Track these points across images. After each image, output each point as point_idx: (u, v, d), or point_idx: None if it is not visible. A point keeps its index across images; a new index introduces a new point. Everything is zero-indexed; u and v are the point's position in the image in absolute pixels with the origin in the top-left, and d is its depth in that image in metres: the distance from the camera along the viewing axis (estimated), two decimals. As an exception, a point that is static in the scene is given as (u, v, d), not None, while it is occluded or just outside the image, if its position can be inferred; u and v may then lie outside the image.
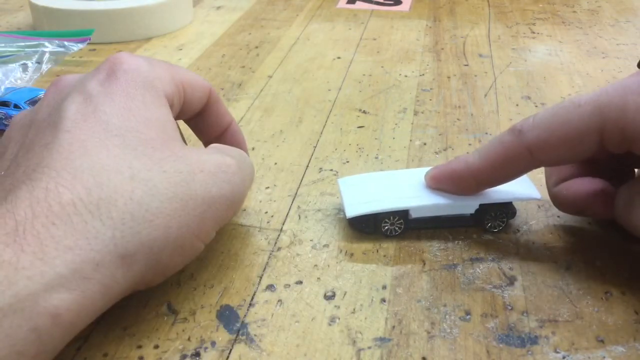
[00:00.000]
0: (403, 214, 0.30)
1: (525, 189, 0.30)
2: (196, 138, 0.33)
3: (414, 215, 0.30)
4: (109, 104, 0.24)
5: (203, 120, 0.31)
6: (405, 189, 0.31)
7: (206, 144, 0.33)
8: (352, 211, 0.29)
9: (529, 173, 0.29)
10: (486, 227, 0.31)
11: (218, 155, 0.26)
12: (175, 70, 0.28)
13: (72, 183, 0.21)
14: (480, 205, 0.30)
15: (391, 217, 0.30)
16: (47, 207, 0.20)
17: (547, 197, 0.31)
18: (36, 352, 0.19)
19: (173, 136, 0.25)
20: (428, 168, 0.31)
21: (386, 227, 0.30)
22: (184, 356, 0.23)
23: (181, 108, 0.28)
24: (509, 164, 0.28)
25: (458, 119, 0.42)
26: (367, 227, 0.30)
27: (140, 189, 0.22)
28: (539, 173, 0.35)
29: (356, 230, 0.30)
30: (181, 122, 0.32)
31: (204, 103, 0.30)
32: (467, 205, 0.30)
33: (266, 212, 0.32)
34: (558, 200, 0.30)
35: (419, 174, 0.31)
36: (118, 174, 0.22)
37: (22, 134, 0.25)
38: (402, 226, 0.30)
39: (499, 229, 0.30)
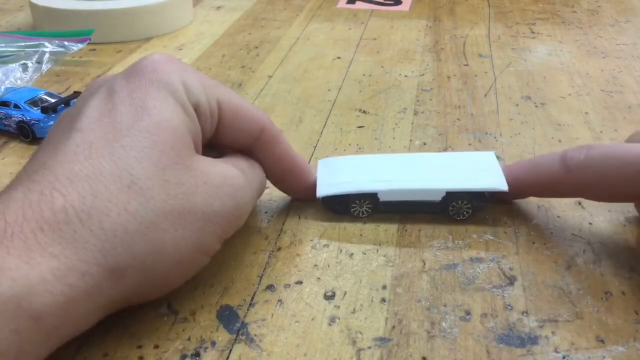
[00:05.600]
0: (372, 197, 0.31)
1: (494, 180, 0.31)
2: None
3: (382, 198, 0.31)
4: (127, 102, 0.24)
5: (256, 159, 0.29)
6: (379, 173, 0.31)
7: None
8: (322, 191, 0.31)
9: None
10: (450, 214, 0.31)
11: (226, 166, 0.25)
12: (211, 85, 0.26)
13: (68, 189, 0.21)
14: (447, 192, 0.30)
15: (360, 200, 0.31)
16: (39, 212, 0.20)
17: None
18: (17, 352, 0.19)
19: (186, 142, 0.24)
20: (407, 154, 0.33)
21: (355, 209, 0.31)
22: (184, 356, 0.23)
23: (216, 131, 0.27)
24: (554, 190, 0.29)
25: (458, 119, 0.42)
26: (340, 208, 0.31)
27: (136, 199, 0.22)
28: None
29: (329, 210, 0.32)
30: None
31: (254, 138, 0.28)
32: (435, 192, 0.31)
33: (266, 212, 0.32)
34: None
35: (397, 159, 0.33)
36: (116, 181, 0.22)
37: (56, 125, 0.25)
38: (371, 209, 0.31)
39: (464, 218, 0.31)
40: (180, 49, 0.56)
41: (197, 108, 0.25)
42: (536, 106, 0.44)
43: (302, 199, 0.33)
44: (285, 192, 0.32)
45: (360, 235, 0.30)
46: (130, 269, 0.21)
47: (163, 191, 0.22)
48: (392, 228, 0.31)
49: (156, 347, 0.24)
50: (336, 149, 0.39)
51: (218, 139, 0.28)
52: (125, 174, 0.22)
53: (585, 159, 0.27)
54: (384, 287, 0.27)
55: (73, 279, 0.20)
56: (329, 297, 0.26)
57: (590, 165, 0.27)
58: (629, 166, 0.26)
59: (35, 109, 0.39)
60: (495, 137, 0.40)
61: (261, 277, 0.28)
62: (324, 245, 0.30)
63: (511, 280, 0.27)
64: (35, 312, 0.19)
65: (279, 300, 0.26)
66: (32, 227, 0.20)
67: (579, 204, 0.33)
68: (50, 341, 0.20)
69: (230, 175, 0.25)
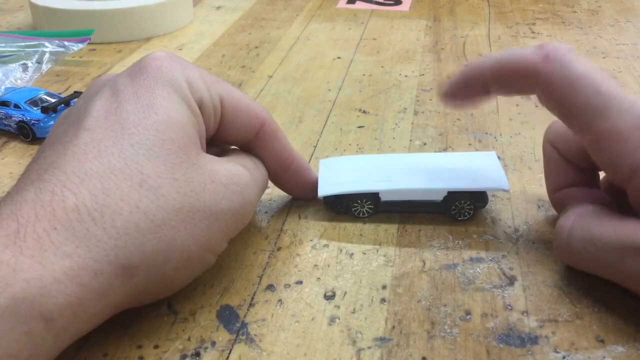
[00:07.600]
0: (373, 196, 0.31)
1: (495, 179, 0.31)
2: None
3: (383, 198, 0.31)
4: (133, 101, 0.24)
5: (256, 155, 0.29)
6: (380, 173, 0.31)
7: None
8: (323, 191, 0.31)
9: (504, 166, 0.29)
10: (452, 214, 0.31)
11: (232, 165, 0.26)
12: (213, 81, 0.26)
13: (79, 188, 0.21)
14: (449, 192, 0.30)
15: (362, 200, 0.31)
16: (51, 211, 0.20)
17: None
18: (29, 355, 0.19)
19: (192, 140, 0.24)
20: (408, 154, 0.33)
21: (356, 209, 0.31)
22: (184, 356, 0.23)
23: (218, 127, 0.27)
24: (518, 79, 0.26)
25: (458, 119, 0.42)
26: (341, 208, 0.31)
27: (147, 197, 0.22)
28: (539, 173, 0.35)
29: (331, 210, 0.32)
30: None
31: (254, 133, 0.28)
32: (436, 192, 0.31)
33: (266, 212, 0.32)
34: (557, 207, 0.30)
35: (399, 159, 0.33)
36: (127, 179, 0.22)
37: (59, 124, 0.25)
38: (372, 209, 0.31)
39: (465, 218, 0.31)
40: (180, 49, 0.56)
41: (201, 105, 0.26)
42: (536, 106, 0.44)
43: (301, 197, 0.33)
44: (284, 189, 0.32)
45: (360, 235, 0.30)
46: (141, 267, 0.22)
47: (173, 189, 0.22)
48: (392, 228, 0.31)
49: (156, 347, 0.24)
50: (336, 149, 0.39)
51: (219, 136, 0.28)
52: (136, 172, 0.22)
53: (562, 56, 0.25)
54: (384, 287, 0.27)
55: (85, 278, 0.20)
56: (329, 297, 0.26)
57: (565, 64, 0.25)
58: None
59: (35, 109, 0.39)
60: (495, 137, 0.40)
61: (261, 277, 0.28)
62: (324, 245, 0.30)
63: (511, 280, 0.27)
64: (47, 313, 0.19)
65: (279, 300, 0.26)
66: (44, 226, 0.20)
67: (579, 204, 0.33)
68: (60, 342, 0.20)
69: (237, 173, 0.25)
